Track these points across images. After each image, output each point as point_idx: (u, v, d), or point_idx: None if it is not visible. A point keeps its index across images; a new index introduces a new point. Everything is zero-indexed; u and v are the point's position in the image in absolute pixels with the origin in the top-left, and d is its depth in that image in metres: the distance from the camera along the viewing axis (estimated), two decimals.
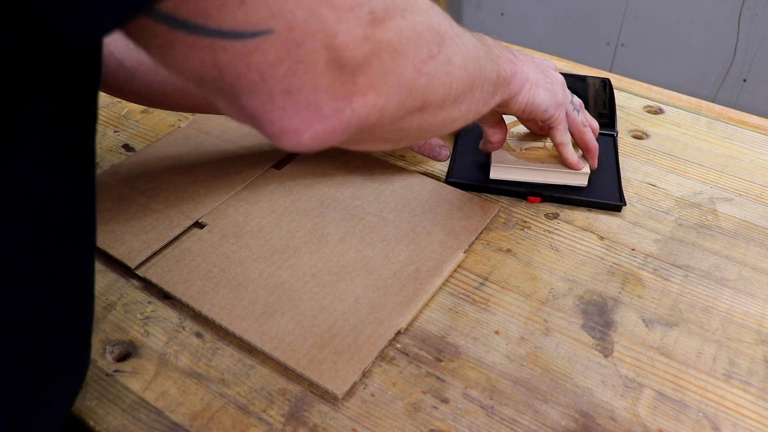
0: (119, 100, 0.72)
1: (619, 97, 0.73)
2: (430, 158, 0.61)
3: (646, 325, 0.47)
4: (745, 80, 1.97)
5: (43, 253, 0.31)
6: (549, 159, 0.58)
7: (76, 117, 0.30)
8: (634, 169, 0.62)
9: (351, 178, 0.59)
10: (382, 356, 0.44)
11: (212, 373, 0.43)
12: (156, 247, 0.52)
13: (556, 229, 0.55)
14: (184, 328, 0.47)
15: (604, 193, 0.58)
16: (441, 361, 0.44)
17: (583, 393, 0.42)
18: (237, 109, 0.30)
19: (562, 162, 0.57)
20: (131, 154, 0.63)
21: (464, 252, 0.52)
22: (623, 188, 0.59)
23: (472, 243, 0.53)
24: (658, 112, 0.71)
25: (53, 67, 0.27)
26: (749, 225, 0.56)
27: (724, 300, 0.49)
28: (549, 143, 0.60)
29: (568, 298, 0.49)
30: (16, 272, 0.30)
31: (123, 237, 0.52)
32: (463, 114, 0.42)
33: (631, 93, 0.74)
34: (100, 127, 0.68)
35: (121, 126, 0.68)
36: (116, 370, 0.44)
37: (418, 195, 0.57)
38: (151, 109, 0.71)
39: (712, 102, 0.73)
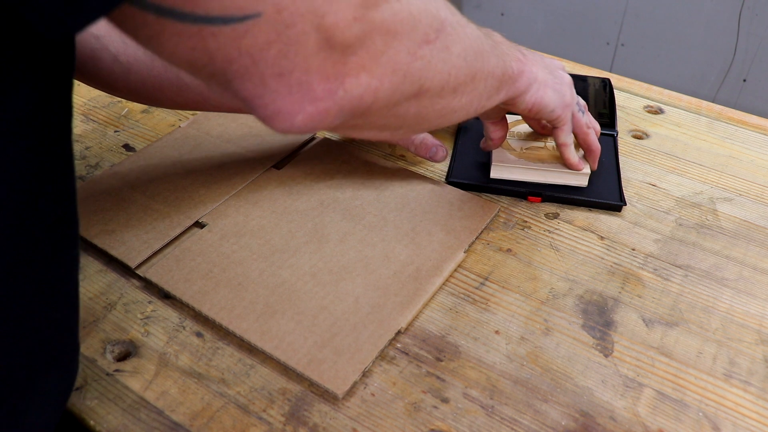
0: (119, 99, 0.72)
1: (619, 97, 0.73)
2: (426, 159, 0.60)
3: (646, 325, 0.47)
4: (745, 80, 1.97)
5: (24, 252, 0.30)
6: (550, 159, 0.58)
7: (52, 112, 0.30)
8: (634, 169, 0.62)
9: (351, 178, 0.59)
10: (382, 356, 0.44)
11: (212, 372, 0.43)
12: (156, 247, 0.52)
13: (556, 229, 0.55)
14: (184, 327, 0.47)
15: (605, 193, 0.58)
16: (441, 360, 0.44)
17: (583, 393, 0.42)
18: (230, 94, 0.30)
19: (563, 162, 0.57)
20: (131, 154, 0.63)
21: (464, 252, 0.52)
22: (623, 188, 0.59)
23: (473, 243, 0.53)
24: (658, 112, 0.71)
25: (27, 60, 0.27)
26: (749, 225, 0.56)
27: (724, 300, 0.49)
28: (550, 143, 0.60)
29: (568, 298, 0.49)
30: None
31: (123, 237, 0.52)
32: (463, 105, 0.42)
33: (631, 93, 0.74)
34: (100, 127, 0.68)
35: (121, 126, 0.68)
36: (116, 370, 0.44)
37: (418, 195, 0.57)
38: (152, 109, 0.71)
39: (712, 102, 0.73)
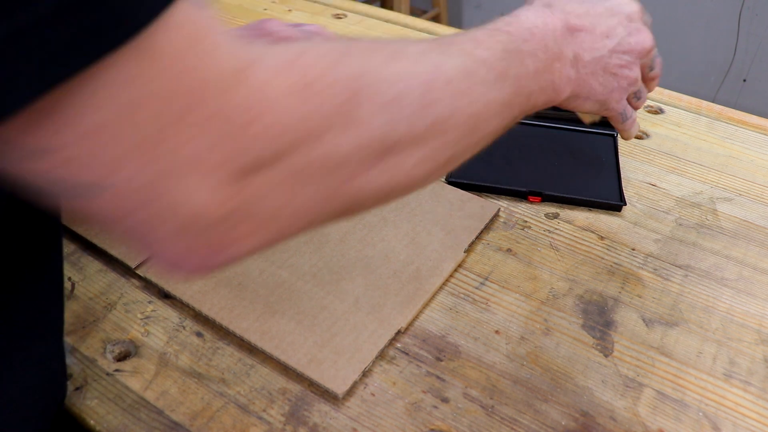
0: None
1: None
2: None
3: (646, 325, 0.47)
4: (745, 80, 1.97)
5: (7, 248, 0.30)
6: None
7: None
8: (635, 169, 0.62)
9: None
10: (382, 356, 0.44)
11: (212, 372, 0.43)
12: None
13: (556, 228, 0.55)
14: (184, 327, 0.47)
15: (604, 192, 0.58)
16: (441, 360, 0.44)
17: (583, 393, 0.42)
18: None
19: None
20: None
21: (464, 252, 0.52)
22: (623, 188, 0.59)
23: (473, 243, 0.53)
24: (658, 112, 0.71)
25: None
26: (749, 225, 0.56)
27: (724, 300, 0.49)
28: None
29: (568, 298, 0.49)
30: None
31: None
32: (460, 154, 0.33)
33: None
34: None
35: None
36: (116, 370, 0.44)
37: (418, 195, 0.57)
38: None
39: (712, 102, 0.73)
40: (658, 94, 0.74)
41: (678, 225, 0.56)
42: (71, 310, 0.47)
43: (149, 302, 0.48)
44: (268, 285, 0.48)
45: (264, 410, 0.41)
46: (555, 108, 0.69)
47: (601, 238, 0.54)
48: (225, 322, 0.46)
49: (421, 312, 0.48)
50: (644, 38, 0.42)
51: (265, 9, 0.93)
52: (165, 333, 0.46)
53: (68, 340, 0.45)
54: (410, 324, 0.47)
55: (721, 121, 0.70)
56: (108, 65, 0.20)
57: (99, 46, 0.20)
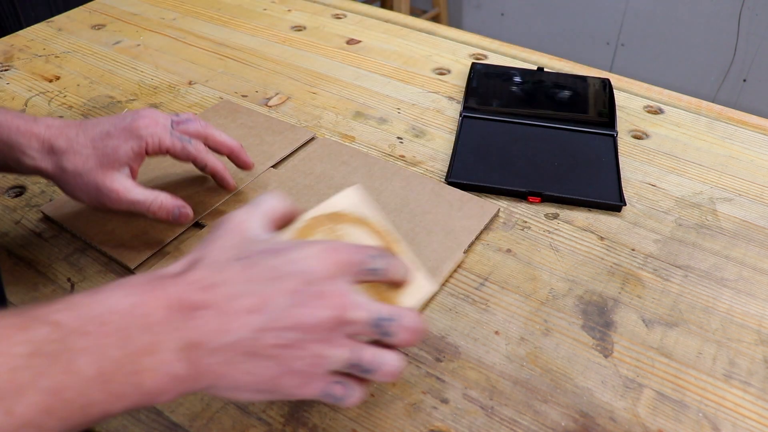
0: (119, 100, 0.72)
1: (619, 97, 0.73)
2: (170, 221, 0.50)
3: (646, 326, 0.47)
4: (745, 80, 1.97)
5: None
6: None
7: None
8: (634, 169, 0.62)
9: (351, 179, 0.59)
10: None
11: None
12: (156, 248, 0.52)
13: (556, 229, 0.55)
14: None
15: (604, 193, 0.58)
16: (441, 361, 0.44)
17: (583, 393, 0.42)
18: None
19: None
20: None
21: (464, 252, 0.52)
22: (623, 188, 0.58)
23: (472, 243, 0.53)
24: (658, 112, 0.71)
25: None
26: (749, 225, 0.56)
27: (724, 300, 0.49)
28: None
29: (568, 299, 0.49)
30: None
31: (122, 237, 0.52)
32: None
33: (631, 93, 0.74)
34: None
35: None
36: None
37: (418, 195, 0.57)
38: None
39: (712, 102, 0.73)
40: (657, 94, 0.74)
41: (678, 225, 0.56)
42: None
43: None
44: None
45: (263, 411, 0.41)
46: (555, 108, 0.69)
47: (601, 238, 0.54)
48: None
49: (420, 312, 0.47)
50: (319, 308, 0.31)
51: (265, 9, 0.93)
52: None
53: None
54: None
55: (721, 121, 0.70)
56: None
57: None
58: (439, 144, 0.65)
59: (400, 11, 2.08)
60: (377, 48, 0.83)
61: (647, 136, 0.67)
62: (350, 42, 0.84)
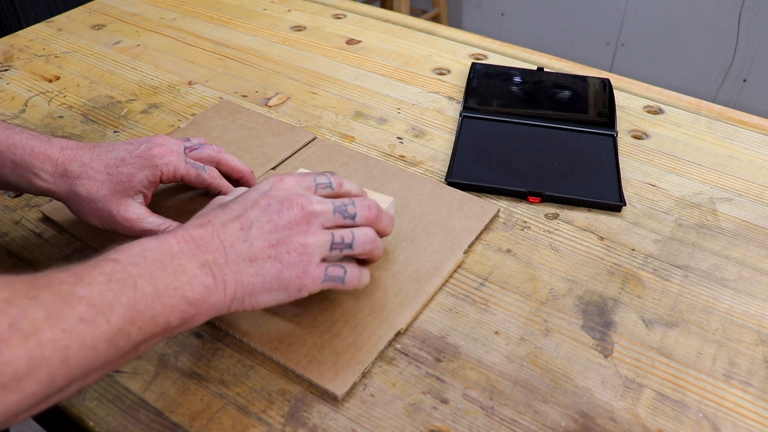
0: (119, 100, 0.72)
1: (619, 97, 0.73)
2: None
3: (646, 326, 0.47)
4: (745, 80, 1.97)
5: None
6: None
7: None
8: (634, 169, 0.62)
9: (350, 180, 0.59)
10: (381, 357, 0.44)
11: (212, 373, 0.43)
12: None
13: (556, 229, 0.55)
14: None
15: (604, 193, 0.58)
16: (441, 361, 0.44)
17: (583, 393, 0.42)
18: None
19: None
20: None
21: (464, 252, 0.52)
22: (623, 188, 0.58)
23: (472, 243, 0.53)
24: (658, 112, 0.71)
25: None
26: (749, 225, 0.56)
27: (724, 300, 0.49)
28: None
29: (568, 299, 0.49)
30: None
31: (122, 238, 0.52)
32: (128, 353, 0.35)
33: (631, 93, 0.74)
34: (99, 128, 0.68)
35: (121, 126, 0.68)
36: (116, 371, 0.43)
37: (418, 195, 0.57)
38: (151, 110, 0.71)
39: (712, 102, 0.73)
40: (657, 94, 0.74)
41: (678, 225, 0.56)
42: None
43: None
44: None
45: (263, 411, 0.41)
46: (555, 108, 0.70)
47: (601, 238, 0.54)
48: (224, 324, 0.46)
49: (420, 313, 0.47)
50: (287, 209, 0.40)
51: (265, 9, 0.93)
52: None
53: None
54: (410, 325, 0.47)
55: (721, 121, 0.70)
56: None
57: None
58: (439, 144, 0.65)
59: (400, 11, 2.08)
60: (377, 48, 0.83)
61: (647, 136, 0.67)
62: (350, 42, 0.84)
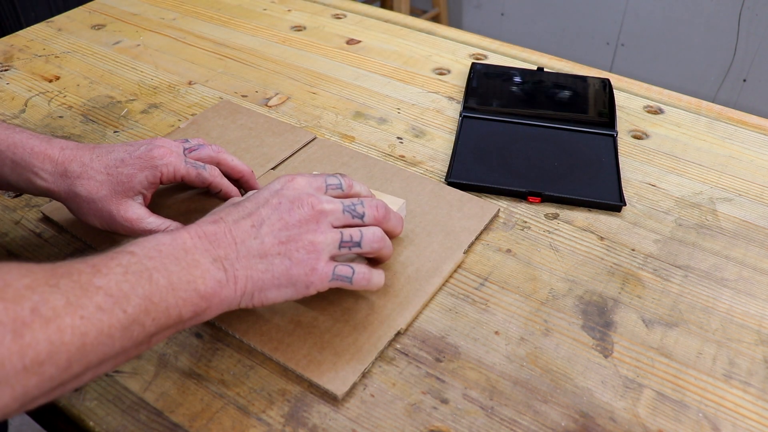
0: (119, 100, 0.72)
1: (619, 97, 0.73)
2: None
3: (646, 326, 0.47)
4: (745, 80, 1.97)
5: None
6: None
7: None
8: (634, 169, 0.62)
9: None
10: (381, 357, 0.44)
11: (212, 373, 0.43)
12: None
13: (556, 229, 0.55)
14: None
15: (604, 193, 0.58)
16: (441, 361, 0.44)
17: (583, 393, 0.42)
18: None
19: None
20: None
21: (464, 252, 0.52)
22: (623, 188, 0.58)
23: (472, 243, 0.53)
24: (658, 112, 0.71)
25: None
26: (749, 225, 0.56)
27: (724, 300, 0.49)
28: None
29: (568, 299, 0.49)
30: None
31: (122, 238, 0.52)
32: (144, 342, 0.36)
33: (631, 93, 0.74)
34: (99, 128, 0.68)
35: (121, 126, 0.68)
36: (116, 371, 0.43)
37: (418, 195, 0.57)
38: (151, 110, 0.71)
39: (712, 102, 0.73)
40: (657, 94, 0.74)
41: (678, 225, 0.56)
42: None
43: None
44: None
45: (263, 411, 0.41)
46: (555, 108, 0.70)
47: (601, 238, 0.54)
48: (224, 324, 0.46)
49: (420, 313, 0.47)
50: (297, 208, 0.41)
51: (265, 9, 0.93)
52: None
53: None
54: (410, 325, 0.47)
55: (721, 121, 0.70)
56: None
57: None
58: (439, 144, 0.65)
59: (400, 11, 2.08)
60: (377, 48, 0.83)
61: (647, 136, 0.67)
62: (350, 42, 0.84)
